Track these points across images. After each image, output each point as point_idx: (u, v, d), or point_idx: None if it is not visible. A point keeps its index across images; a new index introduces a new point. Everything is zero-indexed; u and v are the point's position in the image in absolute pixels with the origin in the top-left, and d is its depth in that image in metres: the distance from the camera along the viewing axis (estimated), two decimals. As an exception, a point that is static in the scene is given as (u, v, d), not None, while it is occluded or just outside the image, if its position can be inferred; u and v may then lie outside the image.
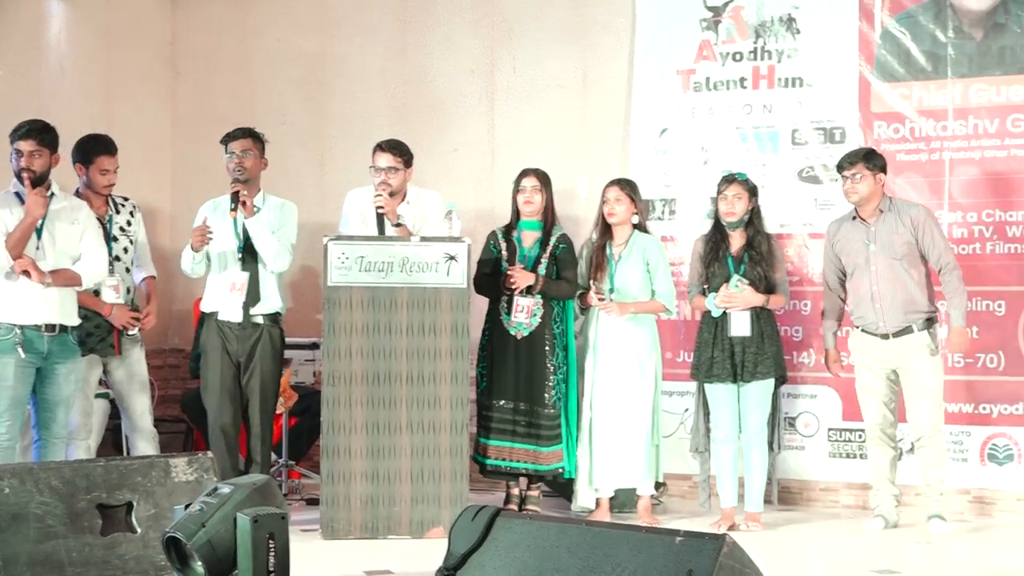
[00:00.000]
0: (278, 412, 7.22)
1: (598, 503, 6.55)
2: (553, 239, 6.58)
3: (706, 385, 6.48)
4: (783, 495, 7.00)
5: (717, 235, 6.51)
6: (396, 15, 8.35)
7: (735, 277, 6.35)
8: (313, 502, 6.79)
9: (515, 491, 6.60)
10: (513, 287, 6.45)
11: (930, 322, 6.32)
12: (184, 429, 8.04)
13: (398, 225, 6.33)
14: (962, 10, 7.00)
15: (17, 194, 5.77)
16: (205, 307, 6.53)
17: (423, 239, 6.13)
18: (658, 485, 6.72)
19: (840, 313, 6.58)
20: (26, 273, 5.64)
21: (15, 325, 5.66)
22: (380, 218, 6.35)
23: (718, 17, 7.49)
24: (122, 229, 6.44)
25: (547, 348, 6.51)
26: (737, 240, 6.46)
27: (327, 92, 8.50)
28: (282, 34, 8.61)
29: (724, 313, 6.37)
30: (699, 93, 7.51)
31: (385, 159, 6.42)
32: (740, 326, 6.34)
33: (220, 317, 6.42)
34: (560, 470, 6.53)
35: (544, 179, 6.60)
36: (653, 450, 6.57)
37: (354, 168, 7.32)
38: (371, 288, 6.01)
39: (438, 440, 6.01)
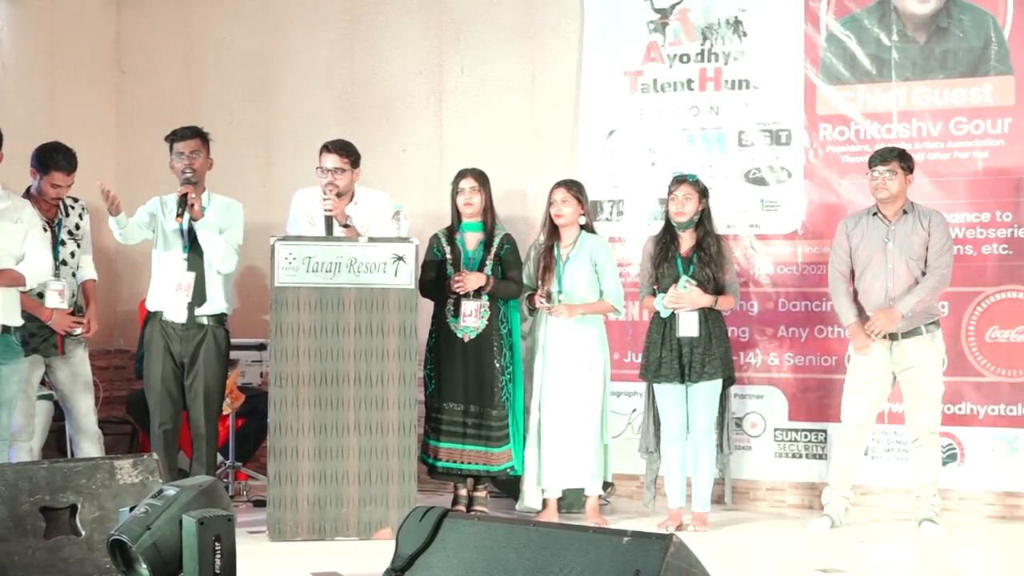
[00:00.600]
0: (225, 413, 7.18)
1: (546, 504, 6.56)
2: (497, 240, 6.58)
3: (654, 385, 6.51)
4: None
5: (667, 236, 6.53)
6: (343, 14, 8.32)
7: (683, 278, 6.38)
8: (260, 504, 6.75)
9: (463, 492, 6.60)
10: (460, 291, 6.43)
11: (936, 324, 6.38)
12: (129, 431, 7.97)
13: (346, 226, 6.31)
14: (906, 14, 7.08)
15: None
16: (150, 306, 6.48)
17: (371, 240, 6.11)
18: (606, 485, 6.74)
19: (853, 295, 6.47)
20: None
21: None
22: (328, 219, 6.33)
23: (665, 19, 7.52)
24: (70, 233, 6.37)
25: (495, 349, 6.51)
26: (687, 241, 6.49)
27: (274, 91, 8.46)
28: (228, 32, 8.56)
29: (673, 314, 6.40)
30: (647, 95, 7.54)
31: (332, 160, 6.39)
32: (688, 327, 6.37)
33: (164, 317, 6.38)
34: (510, 469, 6.54)
35: (482, 179, 6.59)
36: (601, 450, 6.59)
37: (302, 168, 7.29)
38: (318, 289, 5.99)
39: (386, 441, 6.00)
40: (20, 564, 4.38)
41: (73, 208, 6.43)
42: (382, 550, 4.45)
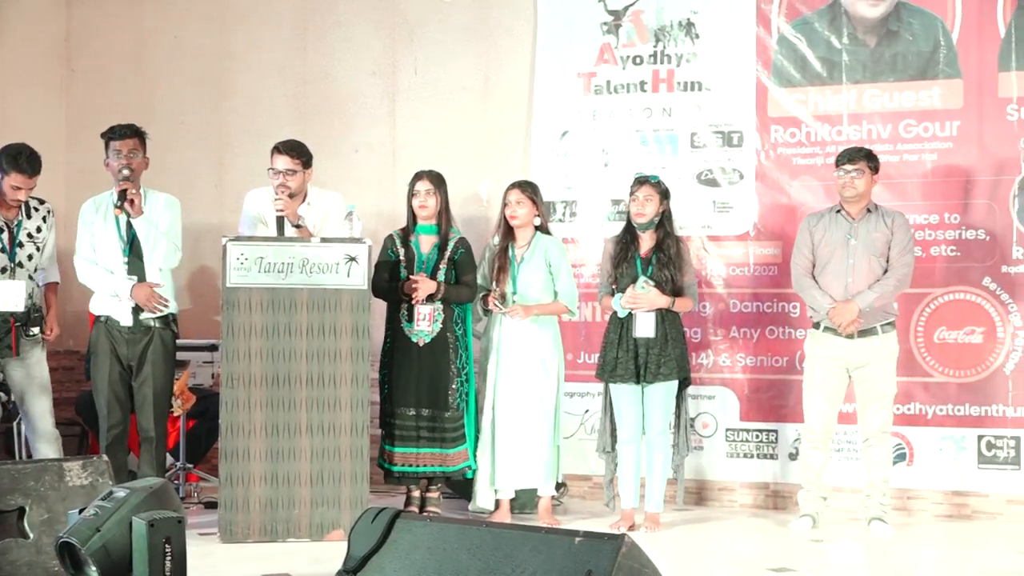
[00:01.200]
0: (176, 415, 7.14)
1: (499, 504, 6.56)
2: (452, 244, 6.57)
3: (610, 385, 6.52)
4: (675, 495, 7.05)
5: (627, 236, 6.55)
6: (296, 13, 8.29)
7: (641, 278, 6.39)
8: (211, 505, 6.71)
9: (415, 493, 6.59)
10: (414, 297, 6.41)
11: (891, 325, 6.42)
12: (79, 432, 7.90)
13: (298, 226, 6.28)
14: (856, 17, 7.14)
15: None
16: (94, 310, 6.41)
17: (323, 240, 6.09)
18: (559, 486, 6.75)
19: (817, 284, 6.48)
20: None
21: None
22: (280, 219, 6.29)
23: (618, 21, 7.55)
24: (30, 235, 6.31)
25: (450, 352, 6.50)
26: (647, 242, 6.51)
27: (226, 91, 8.42)
28: (179, 31, 8.50)
29: (630, 314, 6.42)
30: (600, 96, 7.56)
31: (283, 161, 6.36)
32: (644, 327, 6.39)
33: (111, 320, 6.32)
34: (467, 469, 6.53)
35: (438, 181, 6.57)
36: (554, 451, 6.60)
37: (254, 167, 7.25)
38: (271, 289, 5.96)
39: (338, 442, 5.98)
40: (-33, 567, 4.34)
41: (37, 210, 6.37)
42: (334, 551, 4.44)
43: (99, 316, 6.37)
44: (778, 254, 7.13)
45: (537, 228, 6.63)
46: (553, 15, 7.69)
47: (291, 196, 6.31)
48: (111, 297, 6.29)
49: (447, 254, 6.53)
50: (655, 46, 7.47)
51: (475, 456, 6.55)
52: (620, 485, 6.53)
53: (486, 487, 6.55)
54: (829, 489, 6.60)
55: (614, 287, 6.51)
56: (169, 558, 4.03)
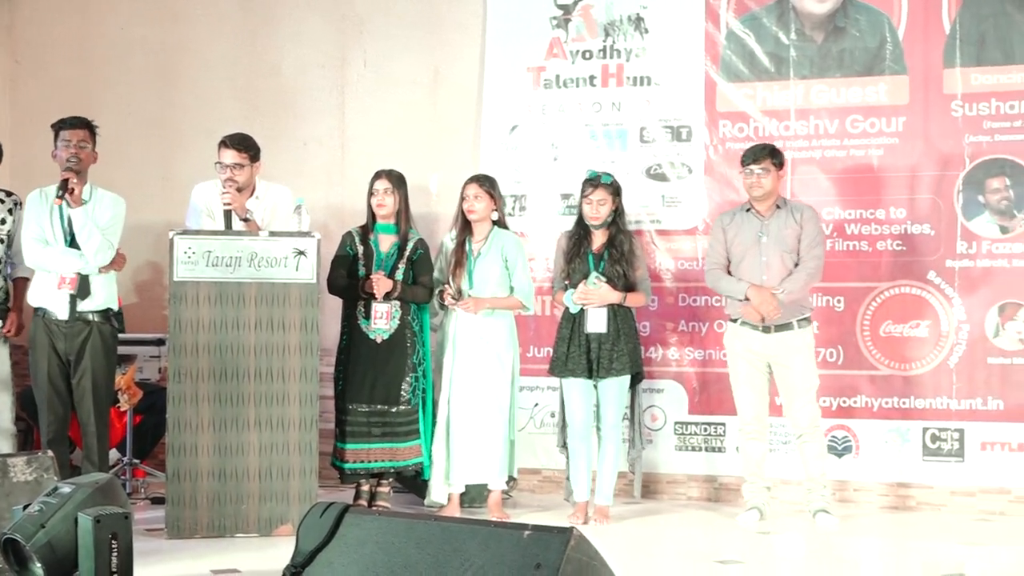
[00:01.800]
0: (123, 409, 7.08)
1: (449, 498, 6.56)
2: (411, 244, 6.55)
3: (563, 380, 6.54)
4: (628, 488, 7.08)
5: (580, 232, 6.56)
6: (244, 6, 8.25)
7: (592, 274, 6.41)
8: (158, 501, 6.67)
9: (365, 488, 6.58)
10: (374, 295, 6.40)
11: (807, 320, 6.47)
12: (23, 427, 7.81)
13: (246, 220, 6.25)
14: (804, 13, 7.19)
15: None
16: (32, 302, 6.33)
17: (272, 234, 6.06)
18: (509, 479, 6.76)
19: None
20: None
21: None
22: (228, 213, 6.25)
23: (568, 15, 7.56)
24: None
25: (407, 348, 6.49)
26: (599, 238, 6.52)
27: (173, 83, 8.35)
28: (126, 22, 8.43)
29: (582, 310, 6.43)
30: (549, 90, 7.58)
31: (230, 155, 6.32)
32: (596, 323, 6.40)
33: (48, 314, 6.25)
34: (419, 465, 6.52)
35: (397, 181, 6.55)
36: (508, 445, 6.60)
37: (202, 161, 7.19)
38: (218, 283, 5.93)
39: (287, 437, 5.95)
40: (-91, 565, 4.28)
41: (3, 202, 6.29)
42: (282, 547, 4.42)
43: (36, 309, 6.29)
44: (726, 248, 7.17)
45: (495, 223, 6.63)
46: (502, 9, 7.69)
47: (239, 190, 6.27)
48: (55, 282, 6.19)
49: (406, 254, 6.53)
50: (604, 41, 7.49)
51: (430, 452, 6.54)
52: (572, 479, 6.55)
53: (441, 481, 6.54)
54: (773, 480, 6.65)
55: (567, 283, 6.52)
56: (115, 554, 4.00)
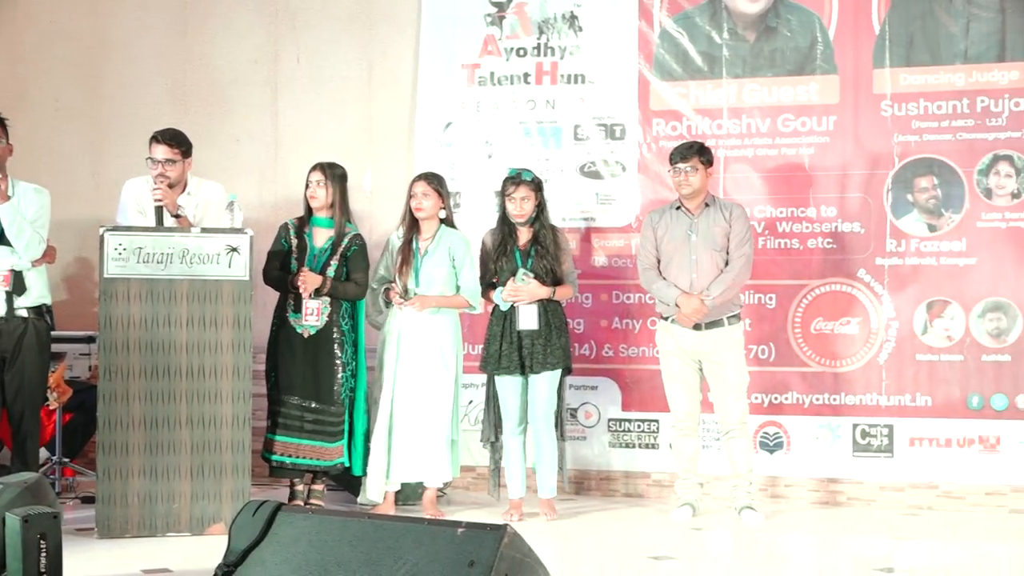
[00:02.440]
0: (52, 408, 6.98)
1: (385, 496, 6.53)
2: (346, 240, 6.52)
3: (495, 377, 6.54)
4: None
5: (505, 229, 6.57)
6: (175, -3, 8.16)
7: (521, 271, 6.42)
8: (89, 500, 6.59)
9: (299, 487, 6.54)
10: (303, 293, 6.37)
11: (737, 317, 6.51)
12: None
13: (178, 216, 6.19)
14: (736, 13, 7.25)
15: None
16: None
17: (204, 230, 6.01)
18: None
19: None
20: None
21: None
22: (159, 209, 6.19)
23: (502, 13, 7.57)
24: None
25: (335, 346, 6.46)
26: (524, 234, 6.53)
27: (102, 76, 8.24)
28: (55, 15, 8.31)
29: (512, 307, 6.44)
30: (484, 87, 7.58)
31: (162, 151, 6.26)
32: (527, 320, 6.42)
33: None
34: (340, 466, 6.50)
35: (331, 173, 6.50)
36: (451, 444, 6.57)
37: (132, 155, 7.12)
38: (149, 280, 5.87)
39: (219, 435, 5.90)
40: None
41: None
42: (215, 546, 4.38)
43: (-31, 306, 6.20)
44: (660, 246, 7.21)
45: (442, 221, 6.61)
46: (437, 5, 7.68)
47: (170, 186, 6.21)
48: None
49: (340, 249, 6.49)
50: (539, 38, 7.51)
51: (363, 451, 6.52)
52: (507, 476, 6.55)
53: (380, 480, 6.50)
54: (706, 476, 6.70)
55: (494, 280, 6.53)
56: (44, 555, 3.95)
